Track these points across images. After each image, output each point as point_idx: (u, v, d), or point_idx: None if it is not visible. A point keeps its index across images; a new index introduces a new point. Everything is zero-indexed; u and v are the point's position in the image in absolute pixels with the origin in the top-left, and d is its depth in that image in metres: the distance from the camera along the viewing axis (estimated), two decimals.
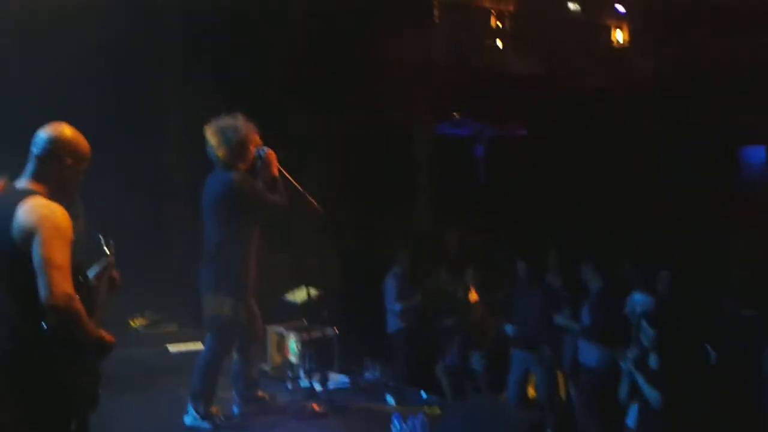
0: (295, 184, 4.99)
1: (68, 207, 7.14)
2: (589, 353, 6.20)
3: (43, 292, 2.56)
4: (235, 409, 4.98)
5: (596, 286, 6.36)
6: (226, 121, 4.76)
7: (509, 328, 6.82)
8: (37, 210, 2.67)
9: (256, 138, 4.83)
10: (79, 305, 2.62)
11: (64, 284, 2.58)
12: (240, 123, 4.75)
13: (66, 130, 2.92)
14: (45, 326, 2.60)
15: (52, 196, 2.79)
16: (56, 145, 2.86)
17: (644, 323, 4.86)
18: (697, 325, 5.62)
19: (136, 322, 7.61)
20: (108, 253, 3.11)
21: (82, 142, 2.95)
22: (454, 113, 11.37)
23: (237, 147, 4.71)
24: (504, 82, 9.73)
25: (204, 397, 4.78)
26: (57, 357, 2.66)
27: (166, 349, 6.87)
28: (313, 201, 5.05)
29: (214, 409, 4.82)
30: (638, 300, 5.44)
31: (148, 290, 7.51)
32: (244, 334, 4.94)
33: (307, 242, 5.81)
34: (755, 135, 10.68)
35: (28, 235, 2.62)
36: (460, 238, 8.78)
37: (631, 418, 4.89)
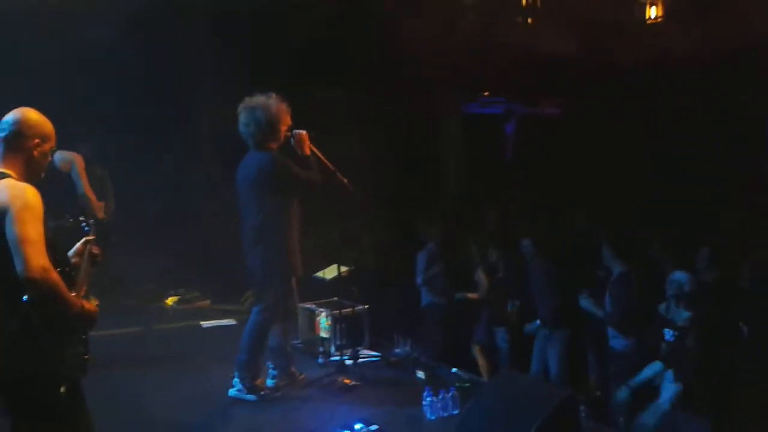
0: (327, 162, 5.03)
1: (100, 189, 7.29)
2: (616, 337, 5.90)
3: (19, 267, 2.67)
4: (270, 382, 5.09)
5: (618, 269, 5.95)
6: (257, 99, 4.81)
7: (511, 305, 6.77)
8: (7, 190, 2.77)
9: (287, 118, 4.88)
10: (55, 276, 2.73)
11: (39, 258, 2.69)
12: (272, 102, 4.80)
13: (29, 113, 3.00)
14: (25, 299, 2.72)
15: (22, 176, 2.89)
16: (21, 126, 2.94)
17: (680, 304, 4.75)
18: (735, 302, 5.49)
19: (170, 301, 7.76)
20: (89, 231, 3.28)
21: (46, 123, 3.02)
22: (484, 92, 11.29)
23: (268, 126, 4.76)
24: (534, 60, 9.58)
25: (250, 369, 4.90)
26: (38, 328, 2.77)
27: (200, 325, 7.02)
28: (343, 179, 5.11)
29: (259, 382, 4.94)
30: (679, 278, 5.25)
31: (182, 267, 7.68)
32: (286, 309, 5.05)
33: (338, 220, 5.87)
34: None
35: (0, 214, 2.72)
36: (494, 215, 8.76)
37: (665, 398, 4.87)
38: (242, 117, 4.82)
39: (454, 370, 5.47)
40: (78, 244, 3.23)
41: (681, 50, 7.87)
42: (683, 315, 5.07)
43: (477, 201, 9.29)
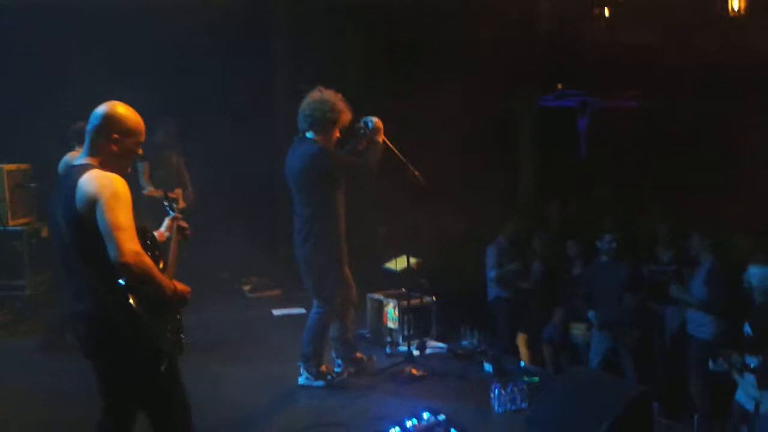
0: (398, 154, 5.05)
1: (175, 177, 7.47)
2: (702, 326, 5.99)
3: (112, 253, 2.76)
4: (337, 369, 5.16)
5: (710, 259, 6.12)
6: (317, 94, 4.84)
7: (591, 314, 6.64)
8: (95, 180, 2.86)
9: (346, 118, 4.85)
10: (147, 260, 2.82)
11: (131, 243, 2.78)
12: (327, 95, 4.81)
13: (116, 107, 3.07)
14: (122, 282, 2.83)
15: (106, 167, 2.97)
16: (105, 121, 3.02)
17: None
18: None
19: (244, 288, 7.96)
20: (173, 210, 3.42)
21: (131, 117, 3.08)
22: (558, 85, 11.07)
23: (322, 121, 4.77)
24: (611, 53, 9.33)
25: (314, 358, 4.99)
26: (136, 309, 2.87)
27: (270, 313, 7.16)
28: (415, 172, 5.11)
29: (324, 368, 5.02)
30: (754, 273, 5.09)
31: (255, 256, 7.84)
32: (342, 300, 5.09)
33: (408, 212, 5.88)
34: None
35: (91, 203, 2.82)
36: (563, 209, 8.61)
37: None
38: (303, 109, 4.84)
39: (522, 363, 5.41)
40: (167, 219, 3.38)
41: (764, 44, 7.48)
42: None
43: (549, 196, 9.14)
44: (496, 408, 4.51)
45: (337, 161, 4.83)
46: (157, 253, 3.09)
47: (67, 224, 2.89)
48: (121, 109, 3.06)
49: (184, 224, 3.40)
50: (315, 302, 5.03)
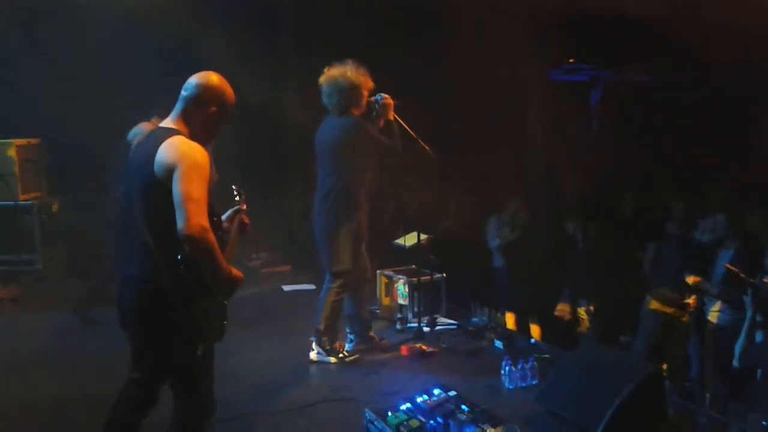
0: (409, 130, 5.02)
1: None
2: (723, 311, 5.68)
3: (180, 223, 2.69)
4: (348, 346, 5.18)
5: (735, 244, 5.76)
6: (337, 68, 4.83)
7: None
8: (179, 147, 2.80)
9: (369, 83, 4.88)
10: (212, 237, 2.75)
11: (200, 217, 2.70)
12: (350, 69, 4.80)
13: (214, 78, 3.00)
14: (179, 257, 2.76)
15: (193, 137, 2.91)
16: (202, 90, 2.96)
17: None
18: None
19: (254, 262, 7.96)
20: (240, 200, 3.29)
21: (228, 91, 3.02)
22: (569, 59, 10.94)
23: (348, 92, 4.78)
24: (622, 26, 9.18)
25: (327, 333, 5.00)
26: (188, 286, 2.81)
27: (281, 288, 7.18)
28: (426, 147, 5.08)
29: (337, 344, 5.05)
30: None
31: (265, 231, 7.84)
32: (357, 276, 5.09)
33: (419, 188, 5.85)
34: None
35: (169, 169, 2.75)
36: (574, 183, 8.55)
37: None
38: (325, 88, 4.85)
39: (532, 340, 5.42)
40: (230, 212, 3.26)
41: None
42: None
43: (560, 170, 9.09)
44: (506, 384, 4.53)
45: (371, 137, 4.82)
46: (220, 233, 2.99)
47: (141, 186, 2.83)
48: (217, 79, 3.01)
49: (246, 219, 3.27)
50: (327, 276, 5.03)
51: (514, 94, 9.55)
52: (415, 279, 5.77)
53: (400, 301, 6.00)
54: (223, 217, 3.19)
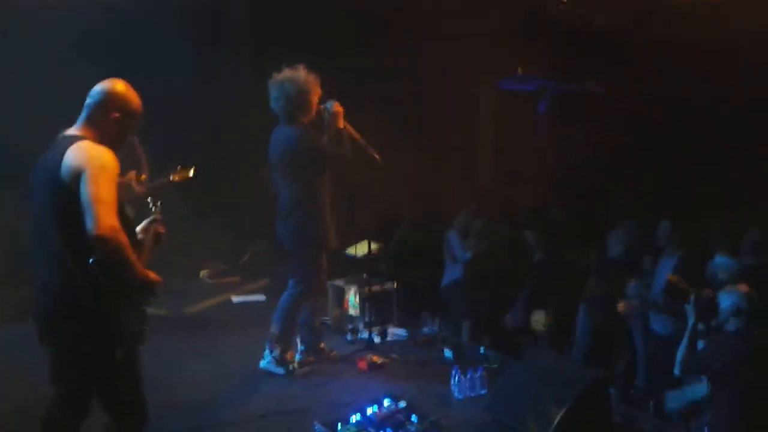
0: (358, 136, 4.99)
1: (131, 157, 7.20)
2: (663, 321, 5.71)
3: (89, 224, 2.70)
4: (298, 357, 5.12)
5: (679, 253, 5.76)
6: (286, 73, 4.78)
7: None
8: (86, 151, 2.83)
9: (318, 89, 4.84)
10: (123, 237, 2.76)
11: (110, 217, 2.73)
12: (300, 75, 4.76)
13: (118, 85, 3.05)
14: (91, 261, 2.76)
15: (99, 142, 2.93)
16: (105, 97, 3.01)
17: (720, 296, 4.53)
18: None
19: (203, 274, 7.84)
20: (155, 211, 3.32)
21: (132, 98, 3.06)
22: (518, 68, 11.09)
23: (296, 98, 4.74)
24: (574, 36, 9.36)
25: (281, 342, 4.94)
26: (103, 290, 2.81)
27: (230, 299, 7.08)
28: (375, 154, 5.07)
29: (289, 355, 5.00)
30: (721, 263, 5.08)
31: (213, 242, 7.72)
32: (318, 286, 5.07)
33: (368, 196, 5.84)
34: None
35: (77, 173, 2.77)
36: (521, 196, 8.67)
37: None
38: (273, 92, 4.81)
39: (482, 349, 5.44)
40: (145, 222, 3.28)
41: (728, 27, 7.55)
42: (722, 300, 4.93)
43: (510, 181, 9.19)
44: (456, 394, 4.53)
45: (319, 147, 4.79)
46: (133, 239, 3.00)
47: (49, 192, 2.85)
48: (123, 87, 3.05)
49: (161, 229, 3.28)
50: (290, 282, 4.99)
51: (465, 103, 9.64)
52: (366, 289, 5.74)
53: (351, 311, 5.96)
54: (138, 228, 3.22)
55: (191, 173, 5.70)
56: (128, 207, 3.50)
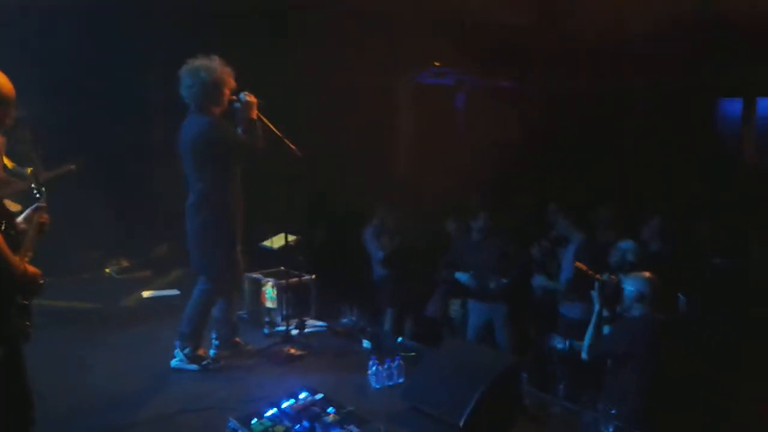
0: (273, 128, 4.93)
1: (27, 154, 6.91)
2: (572, 306, 5.99)
3: None
4: (212, 352, 5.01)
5: (577, 238, 6.15)
6: (201, 61, 4.66)
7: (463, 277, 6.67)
8: None
9: (232, 81, 4.75)
10: None
11: None
12: (215, 64, 4.65)
13: None
14: None
15: None
16: None
17: (623, 272, 4.71)
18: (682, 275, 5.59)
19: (111, 269, 7.58)
20: (40, 198, 3.20)
21: (4, 84, 2.94)
22: (435, 63, 11.22)
23: (209, 87, 4.62)
24: (488, 31, 9.53)
25: (192, 340, 4.82)
26: None
27: (140, 295, 6.86)
28: (291, 145, 5.01)
29: (201, 351, 4.87)
30: (626, 247, 5.27)
31: (123, 236, 7.48)
32: (231, 280, 4.97)
33: (285, 188, 5.77)
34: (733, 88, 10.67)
35: None
36: (439, 188, 8.77)
37: None
38: (185, 79, 4.66)
39: (399, 339, 5.48)
40: (28, 210, 3.14)
41: (637, 23, 7.84)
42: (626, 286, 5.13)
43: (426, 174, 9.29)
44: (373, 384, 4.54)
45: (229, 137, 4.67)
46: (12, 232, 2.88)
47: None
48: None
49: (45, 219, 3.14)
50: (200, 279, 4.86)
51: (383, 96, 9.67)
52: (283, 281, 5.68)
53: (268, 304, 5.88)
54: (21, 217, 3.10)
55: (71, 168, 5.49)
56: (10, 201, 3.33)
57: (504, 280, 6.43)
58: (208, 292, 4.84)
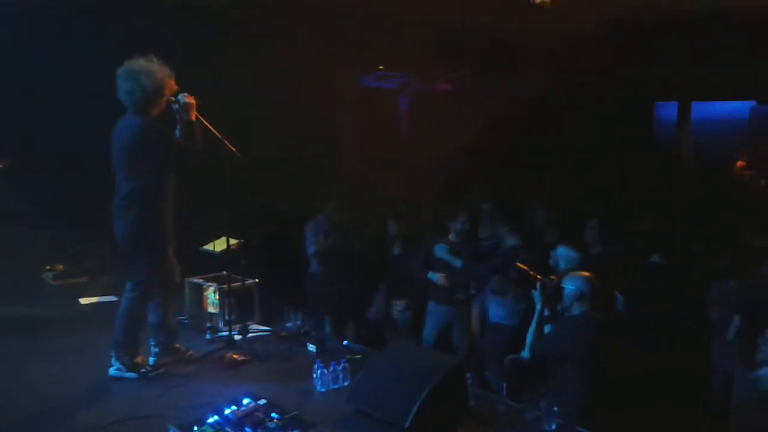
0: (213, 130, 4.85)
1: None
2: (500, 310, 6.13)
3: None
4: (151, 360, 4.88)
5: (511, 242, 6.24)
6: (140, 63, 4.55)
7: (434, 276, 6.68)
8: None
9: (172, 84, 4.65)
10: None
11: None
12: (155, 67, 4.55)
13: None
14: None
15: None
16: None
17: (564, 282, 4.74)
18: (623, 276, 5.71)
19: (46, 274, 7.33)
20: None
21: None
22: (379, 66, 11.24)
23: (153, 92, 4.52)
24: (430, 33, 9.59)
25: (127, 348, 4.68)
26: None
27: (77, 302, 6.65)
28: (232, 148, 4.94)
29: (139, 359, 4.74)
30: (562, 254, 5.36)
31: (59, 242, 7.24)
32: (163, 283, 4.83)
33: (226, 191, 5.69)
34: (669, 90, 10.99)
35: None
36: (383, 190, 8.78)
37: None
38: (124, 82, 4.53)
39: (345, 342, 5.45)
40: None
41: (571, 24, 7.98)
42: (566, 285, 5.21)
43: (372, 175, 9.28)
44: (318, 387, 4.49)
45: (165, 139, 4.56)
46: None
47: None
48: None
49: None
50: (128, 285, 4.72)
51: (326, 98, 9.62)
52: (225, 286, 5.57)
53: (211, 309, 5.77)
54: None
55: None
56: None
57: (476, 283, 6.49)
58: (135, 299, 4.71)
